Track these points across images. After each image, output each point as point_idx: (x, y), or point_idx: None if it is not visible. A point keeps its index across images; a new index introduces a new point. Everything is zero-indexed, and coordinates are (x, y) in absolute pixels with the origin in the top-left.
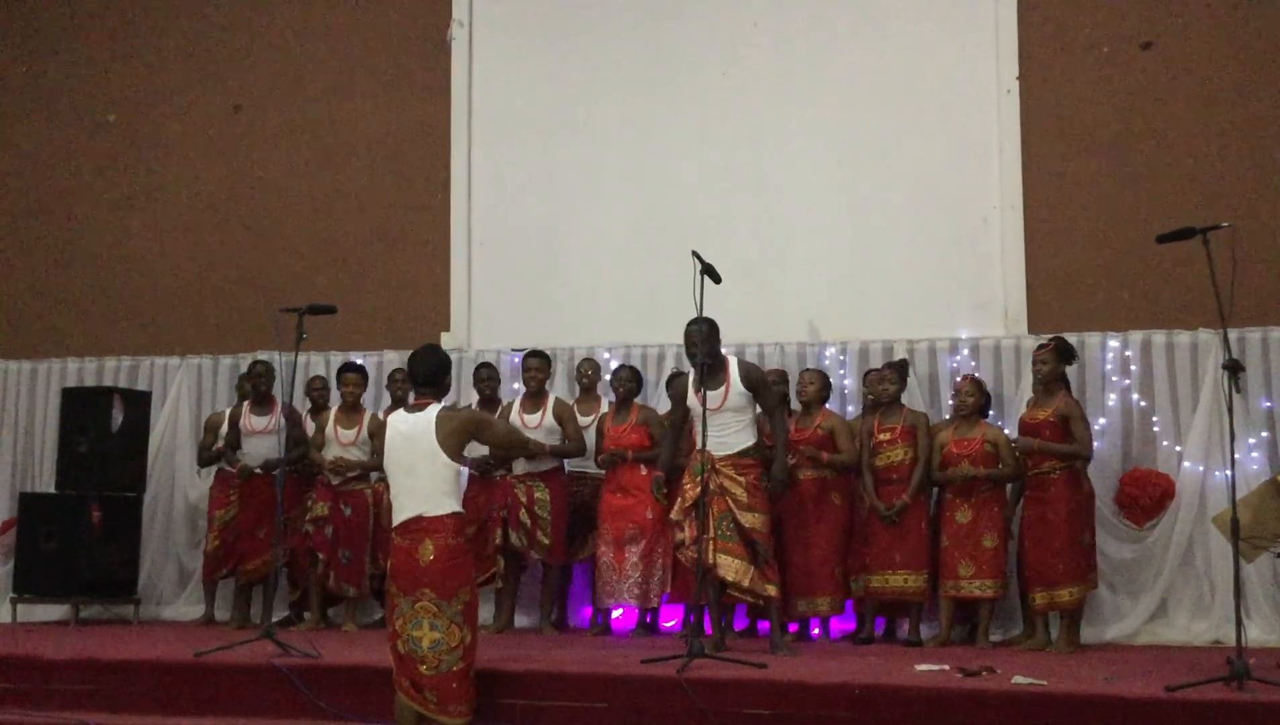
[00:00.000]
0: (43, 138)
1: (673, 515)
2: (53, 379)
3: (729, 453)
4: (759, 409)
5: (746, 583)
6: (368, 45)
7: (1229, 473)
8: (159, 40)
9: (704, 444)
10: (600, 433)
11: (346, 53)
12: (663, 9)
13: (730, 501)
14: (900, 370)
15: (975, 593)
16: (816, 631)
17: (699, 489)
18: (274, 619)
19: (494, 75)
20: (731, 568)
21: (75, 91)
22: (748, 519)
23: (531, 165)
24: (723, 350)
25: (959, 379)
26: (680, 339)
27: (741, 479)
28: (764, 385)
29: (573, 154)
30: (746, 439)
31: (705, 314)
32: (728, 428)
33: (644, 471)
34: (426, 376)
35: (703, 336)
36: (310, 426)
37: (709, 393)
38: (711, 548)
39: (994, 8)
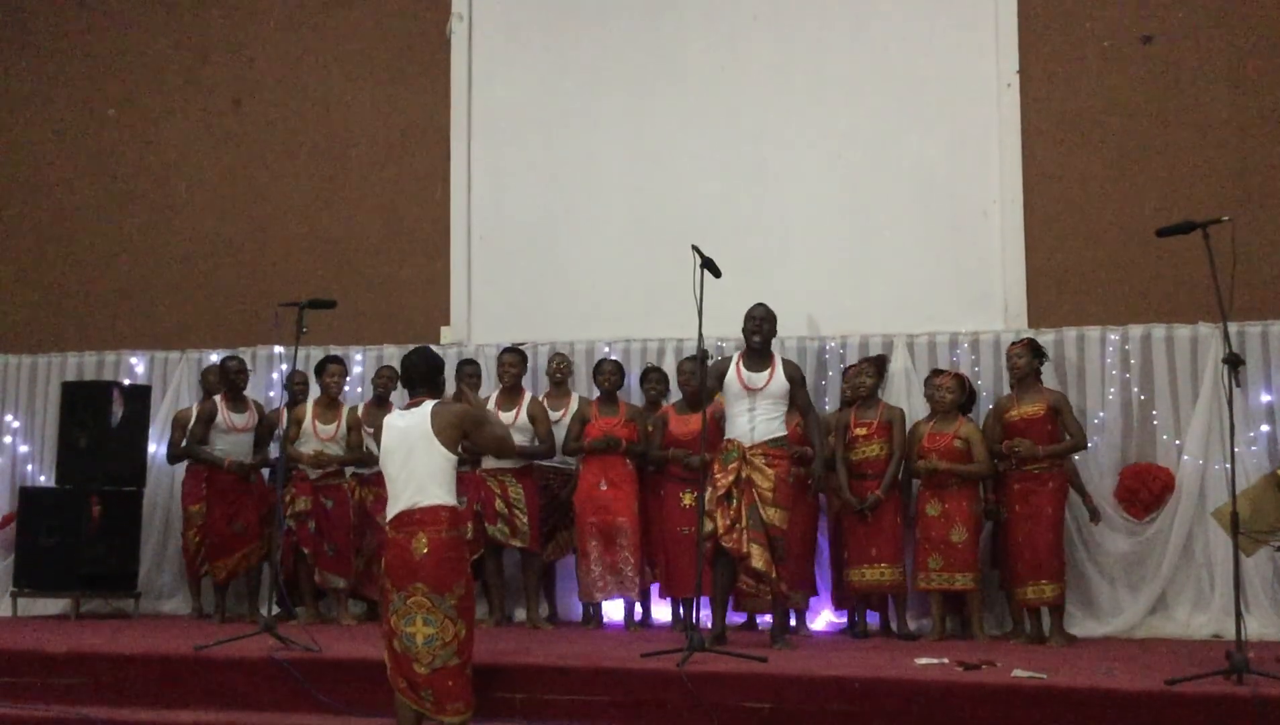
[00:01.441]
0: (43, 132)
1: (706, 506)
2: (52, 373)
3: (760, 440)
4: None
5: (773, 574)
6: (367, 40)
7: (1229, 466)
8: (159, 35)
9: (704, 429)
10: (583, 423)
11: (346, 47)
12: (662, 3)
13: (756, 494)
14: (878, 365)
15: (944, 585)
16: (794, 623)
17: (731, 478)
18: (272, 613)
19: (493, 69)
20: (760, 558)
21: (75, 86)
22: (770, 514)
23: (531, 160)
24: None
25: (942, 374)
26: (679, 332)
27: (770, 472)
28: (801, 384)
29: (572, 148)
30: (778, 429)
31: (704, 308)
32: (764, 414)
33: (629, 465)
34: (421, 378)
35: (765, 316)
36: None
37: (755, 374)
38: (745, 537)
39: (994, 2)
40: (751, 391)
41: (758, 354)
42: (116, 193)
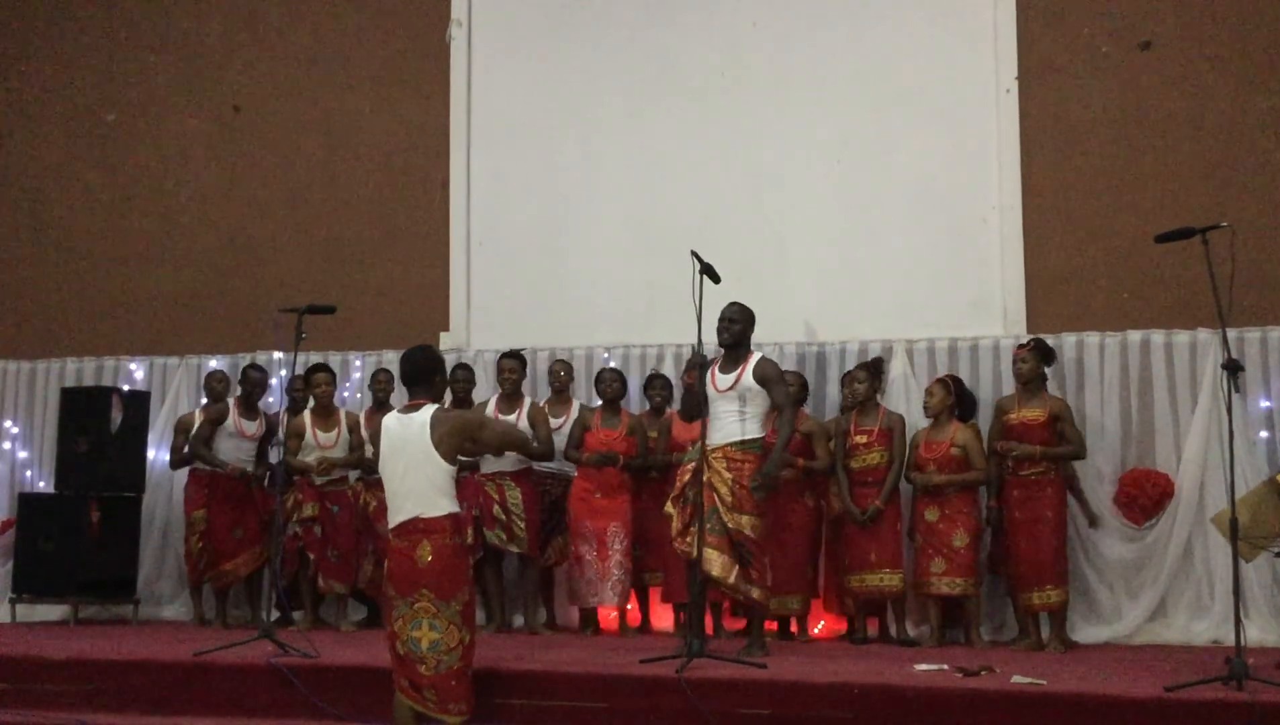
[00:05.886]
0: (42, 136)
1: (666, 508)
2: (52, 379)
3: (721, 442)
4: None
5: (730, 580)
6: (367, 45)
7: (1228, 472)
8: (159, 40)
9: (704, 434)
10: (584, 430)
11: (346, 53)
12: (661, 9)
13: (716, 498)
14: (870, 369)
15: (945, 590)
16: (794, 629)
17: (687, 478)
18: (270, 619)
19: (492, 75)
20: (716, 563)
21: (75, 90)
22: (733, 520)
23: (530, 165)
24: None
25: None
26: (679, 338)
27: (729, 476)
28: (775, 381)
29: (571, 154)
30: (743, 432)
31: (703, 314)
32: (728, 416)
33: (623, 474)
34: (418, 377)
35: (734, 316)
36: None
37: (723, 375)
38: (697, 541)
39: (993, 8)
40: (718, 393)
41: (731, 355)
42: (116, 198)
